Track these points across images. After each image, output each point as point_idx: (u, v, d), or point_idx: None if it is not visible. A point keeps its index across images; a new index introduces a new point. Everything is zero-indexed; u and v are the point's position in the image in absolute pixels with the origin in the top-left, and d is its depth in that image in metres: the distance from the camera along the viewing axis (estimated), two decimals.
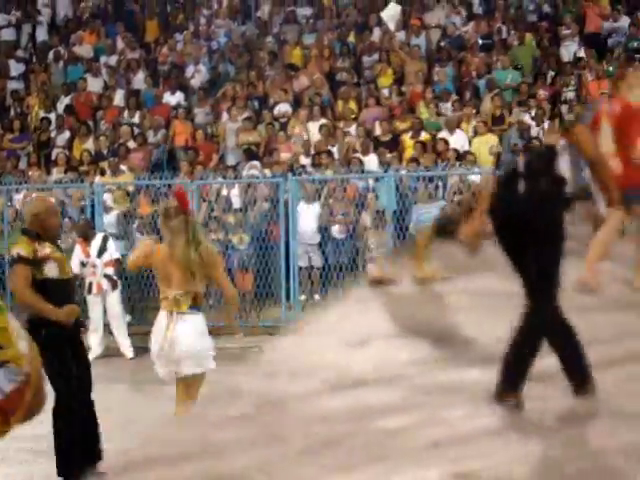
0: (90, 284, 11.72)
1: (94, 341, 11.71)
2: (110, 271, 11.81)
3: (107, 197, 13.73)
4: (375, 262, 12.34)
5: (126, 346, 11.68)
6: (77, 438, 5.96)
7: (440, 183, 13.30)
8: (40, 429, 7.86)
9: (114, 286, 11.78)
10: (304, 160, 15.16)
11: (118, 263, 11.98)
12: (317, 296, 13.35)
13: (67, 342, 5.80)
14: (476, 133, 14.64)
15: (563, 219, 4.19)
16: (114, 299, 11.84)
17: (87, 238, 11.78)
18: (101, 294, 11.70)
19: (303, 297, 13.11)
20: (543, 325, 4.34)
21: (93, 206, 13.37)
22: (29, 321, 5.81)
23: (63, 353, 5.73)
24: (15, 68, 19.82)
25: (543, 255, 4.15)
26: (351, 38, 18.74)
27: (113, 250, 11.90)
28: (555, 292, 4.21)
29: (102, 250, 11.78)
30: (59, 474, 6.04)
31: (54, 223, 5.91)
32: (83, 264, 11.69)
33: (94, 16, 20.93)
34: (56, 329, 5.68)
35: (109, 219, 13.62)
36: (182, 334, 5.64)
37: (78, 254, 11.77)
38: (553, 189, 4.16)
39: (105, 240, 11.91)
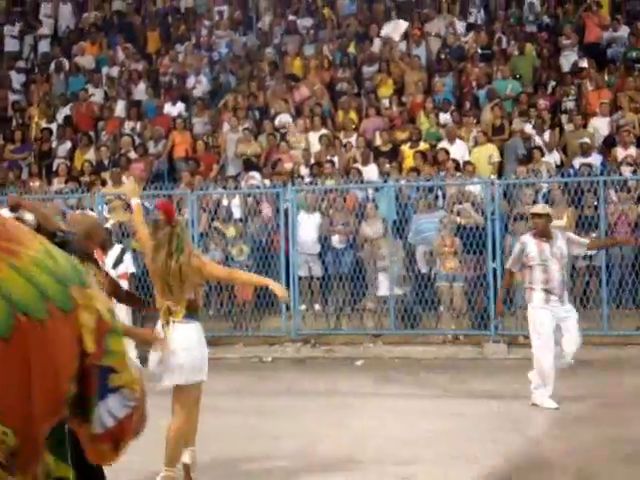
0: None
1: None
2: (123, 284, 11.81)
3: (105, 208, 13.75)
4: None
5: (133, 357, 11.71)
6: None
7: (440, 193, 13.31)
8: None
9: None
10: (304, 170, 15.20)
11: (132, 277, 12.00)
12: (317, 306, 13.35)
13: None
14: (476, 143, 14.66)
15: None
16: (124, 310, 11.84)
17: (105, 248, 11.79)
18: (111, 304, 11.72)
19: (303, 307, 13.09)
20: None
21: None
22: None
23: None
24: (17, 79, 19.90)
25: None
26: (351, 48, 18.79)
27: (129, 263, 11.91)
28: None
29: (118, 262, 11.80)
30: None
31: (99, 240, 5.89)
32: None
33: (96, 27, 20.98)
34: None
35: None
36: (176, 344, 5.65)
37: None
38: None
39: (123, 252, 11.93)
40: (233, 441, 7.23)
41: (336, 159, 15.04)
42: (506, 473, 6.37)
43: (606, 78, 16.25)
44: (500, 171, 14.18)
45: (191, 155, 16.12)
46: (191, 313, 5.74)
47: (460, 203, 12.80)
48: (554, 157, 14.43)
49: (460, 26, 18.55)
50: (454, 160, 13.80)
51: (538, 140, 14.50)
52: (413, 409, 8.77)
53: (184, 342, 5.65)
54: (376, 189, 13.79)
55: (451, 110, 15.82)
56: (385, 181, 13.78)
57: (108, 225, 13.56)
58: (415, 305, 12.63)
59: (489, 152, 14.27)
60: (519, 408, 8.65)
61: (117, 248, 11.95)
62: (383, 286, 12.76)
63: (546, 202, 12.67)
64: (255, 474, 6.53)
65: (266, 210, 13.57)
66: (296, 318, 12.68)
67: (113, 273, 11.58)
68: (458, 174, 13.47)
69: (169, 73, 18.90)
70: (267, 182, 14.46)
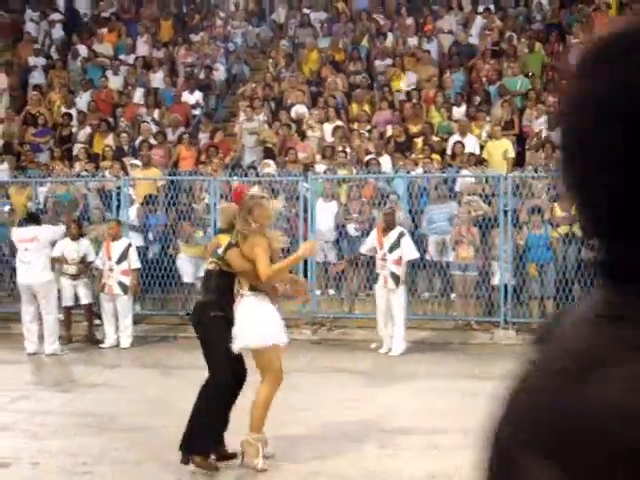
0: (104, 285, 12.25)
1: (109, 332, 12.30)
2: (125, 279, 12.24)
3: (131, 191, 14.16)
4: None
5: (125, 336, 12.19)
6: (216, 418, 6.25)
7: (452, 185, 13.77)
8: (92, 406, 8.41)
9: (125, 292, 12.25)
10: (319, 160, 15.66)
11: (137, 272, 12.42)
12: (331, 291, 13.83)
13: (229, 327, 6.14)
14: (490, 137, 15.14)
15: None
16: (124, 299, 12.29)
17: (114, 239, 12.27)
18: (111, 295, 12.22)
19: (318, 292, 13.54)
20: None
21: (119, 199, 13.79)
22: (198, 305, 6.50)
23: (227, 337, 6.10)
24: (34, 63, 20.24)
25: None
26: (364, 43, 19.24)
27: (133, 260, 12.29)
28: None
29: (122, 258, 12.22)
30: (184, 450, 6.19)
31: None
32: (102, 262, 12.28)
33: (114, 15, 21.43)
34: (222, 313, 6.17)
35: (131, 211, 14.03)
36: (240, 313, 6.15)
37: (102, 253, 12.30)
38: None
39: (128, 247, 12.31)
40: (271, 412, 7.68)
41: (348, 150, 15.46)
42: None
43: None
44: (516, 164, 14.67)
45: (196, 168, 15.76)
46: (255, 287, 6.17)
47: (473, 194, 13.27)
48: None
49: (472, 23, 18.97)
50: (472, 154, 14.31)
51: (552, 135, 14.95)
52: (430, 387, 9.27)
53: (245, 312, 6.12)
54: (387, 180, 14.22)
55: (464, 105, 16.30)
56: (396, 172, 14.25)
57: (133, 208, 14.03)
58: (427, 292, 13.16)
59: (504, 147, 14.74)
60: None
61: (123, 243, 12.33)
62: (496, 275, 12.65)
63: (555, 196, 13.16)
64: (291, 442, 7.00)
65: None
66: (313, 302, 13.14)
67: (117, 268, 12.07)
68: (473, 165, 13.95)
69: (186, 63, 19.33)
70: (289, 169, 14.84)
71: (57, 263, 12.49)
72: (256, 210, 6.09)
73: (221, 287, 6.25)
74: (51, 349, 11.58)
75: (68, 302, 12.54)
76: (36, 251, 11.56)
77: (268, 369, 6.16)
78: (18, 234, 11.91)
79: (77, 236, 12.55)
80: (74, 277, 12.46)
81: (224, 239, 6.32)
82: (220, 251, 6.28)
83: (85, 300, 12.52)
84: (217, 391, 6.17)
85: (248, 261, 6.05)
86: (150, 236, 13.94)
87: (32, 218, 12.09)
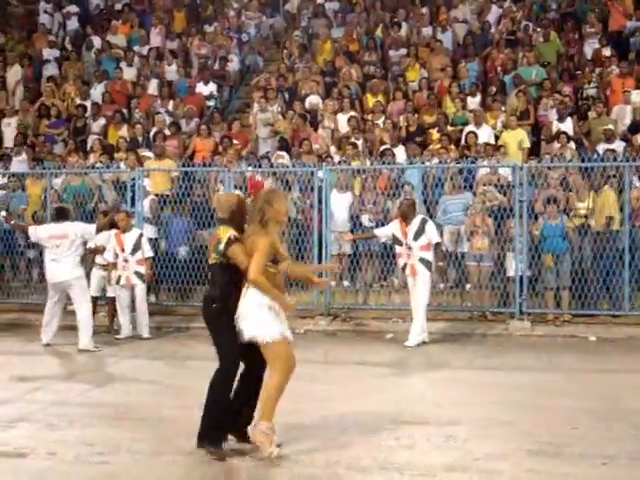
0: (119, 276, 12.22)
1: (125, 323, 12.29)
2: (141, 269, 12.25)
3: (146, 182, 14.14)
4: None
5: (144, 326, 12.21)
6: (228, 407, 6.25)
7: (468, 175, 13.71)
8: (108, 397, 8.42)
9: (143, 280, 12.26)
10: (333, 151, 15.62)
11: (150, 260, 12.45)
12: (346, 282, 13.81)
13: (232, 317, 6.19)
14: (506, 127, 15.06)
15: None
16: (141, 288, 12.31)
17: (124, 231, 12.23)
18: (129, 286, 12.20)
19: (333, 283, 13.51)
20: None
21: (134, 191, 13.78)
22: (204, 297, 6.48)
23: (232, 327, 6.16)
24: (48, 54, 20.28)
25: None
26: (378, 32, 19.18)
27: (146, 249, 12.31)
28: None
29: (136, 248, 12.21)
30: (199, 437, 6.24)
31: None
32: (116, 254, 12.24)
33: (127, 6, 21.43)
34: (223, 305, 6.20)
35: (144, 203, 14.02)
36: (242, 306, 6.18)
37: (113, 245, 12.25)
38: None
39: (140, 237, 12.32)
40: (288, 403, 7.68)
41: (360, 142, 15.40)
42: (542, 434, 6.83)
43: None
44: (532, 154, 14.60)
45: (212, 160, 15.58)
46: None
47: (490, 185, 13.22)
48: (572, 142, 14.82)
49: (487, 12, 18.87)
50: (488, 143, 14.23)
51: (562, 126, 14.88)
52: (446, 378, 9.26)
53: (250, 304, 6.12)
54: (403, 170, 14.16)
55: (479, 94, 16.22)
56: (410, 163, 14.17)
57: (147, 200, 14.02)
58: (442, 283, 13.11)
59: (519, 137, 14.68)
60: (547, 379, 9.14)
61: (135, 233, 12.32)
62: (512, 266, 12.56)
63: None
64: (306, 432, 6.99)
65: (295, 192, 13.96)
66: (327, 293, 13.13)
67: (131, 259, 12.06)
68: (492, 156, 13.89)
69: (200, 54, 19.31)
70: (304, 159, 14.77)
71: (93, 254, 12.51)
72: (275, 203, 6.14)
73: (225, 280, 6.26)
74: (83, 345, 11.18)
75: (95, 292, 12.56)
76: (67, 248, 11.27)
77: (276, 359, 6.15)
78: (48, 230, 11.57)
79: (109, 227, 12.49)
80: (106, 267, 12.47)
81: (224, 233, 6.25)
82: (221, 247, 6.25)
83: (112, 293, 12.50)
84: (222, 380, 6.20)
85: (250, 257, 6.10)
86: (163, 244, 13.92)
87: (61, 214, 11.70)
